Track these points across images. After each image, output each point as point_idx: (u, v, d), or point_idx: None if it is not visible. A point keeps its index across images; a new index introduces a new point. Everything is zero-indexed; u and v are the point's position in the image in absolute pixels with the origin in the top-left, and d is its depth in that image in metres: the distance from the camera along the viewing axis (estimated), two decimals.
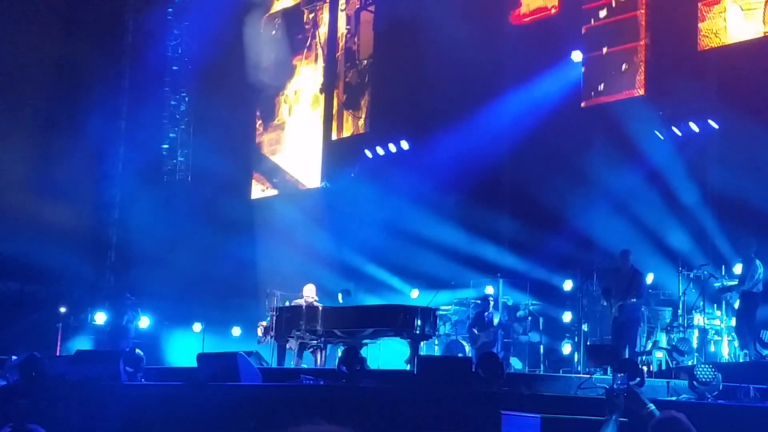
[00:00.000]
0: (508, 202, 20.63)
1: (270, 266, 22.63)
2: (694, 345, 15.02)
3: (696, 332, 15.28)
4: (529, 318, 18.00)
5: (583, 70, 19.71)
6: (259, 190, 26.13)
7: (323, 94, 25.05)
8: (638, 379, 10.27)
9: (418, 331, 15.16)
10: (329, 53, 25.00)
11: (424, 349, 16.15)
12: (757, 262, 14.85)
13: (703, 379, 10.71)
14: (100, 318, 21.21)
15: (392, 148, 22.43)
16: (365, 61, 24.28)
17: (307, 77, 25.56)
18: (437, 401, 10.70)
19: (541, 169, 19.25)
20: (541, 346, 17.86)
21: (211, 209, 24.30)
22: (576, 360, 16.72)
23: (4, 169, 23.63)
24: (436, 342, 17.53)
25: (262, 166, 26.20)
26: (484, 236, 19.98)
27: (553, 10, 20.42)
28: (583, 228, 18.34)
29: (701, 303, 15.39)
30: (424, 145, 21.50)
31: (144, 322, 20.68)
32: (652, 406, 5.75)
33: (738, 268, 15.22)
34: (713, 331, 15.42)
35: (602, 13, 19.62)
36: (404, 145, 22.19)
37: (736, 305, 15.08)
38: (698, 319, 15.35)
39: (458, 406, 10.47)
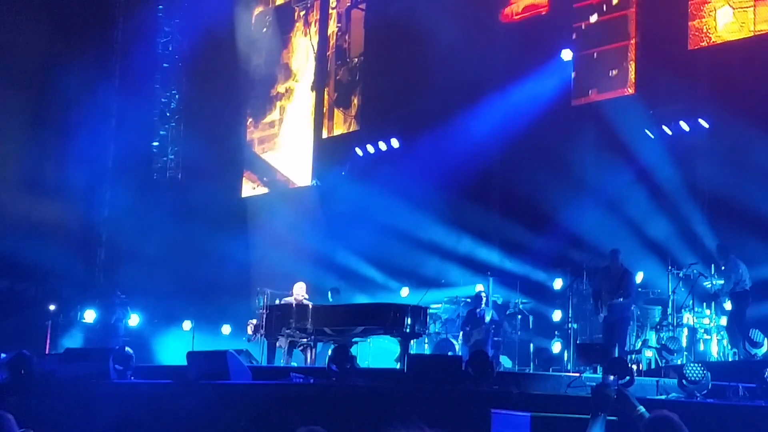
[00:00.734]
0: (498, 200, 20.65)
1: (260, 264, 22.62)
2: (684, 344, 15.05)
3: (685, 331, 15.32)
4: (519, 316, 18.00)
5: (573, 68, 19.72)
6: (249, 188, 26.10)
7: (314, 92, 25.02)
8: (628, 377, 10.30)
9: (408, 330, 15.17)
10: (320, 51, 24.98)
11: (414, 347, 16.15)
12: (738, 262, 14.97)
13: (693, 378, 10.73)
14: (90, 316, 21.16)
15: (383, 146, 22.43)
16: (356, 59, 24.27)
17: (298, 75, 25.53)
18: (427, 400, 10.70)
19: (531, 168, 19.26)
20: (531, 345, 17.87)
21: (202, 207, 24.26)
22: (566, 358, 16.74)
23: None
24: (426, 340, 17.53)
25: (253, 164, 26.16)
26: (474, 234, 20.00)
27: (543, 11, 20.43)
28: (573, 226, 18.37)
29: (691, 302, 15.42)
30: (415, 143, 21.51)
31: (134, 320, 20.65)
32: (642, 408, 5.75)
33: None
34: (702, 330, 15.47)
35: (593, 12, 19.64)
36: (395, 143, 22.20)
37: (728, 306, 15.16)
38: (687, 317, 15.39)
39: (448, 405, 10.47)
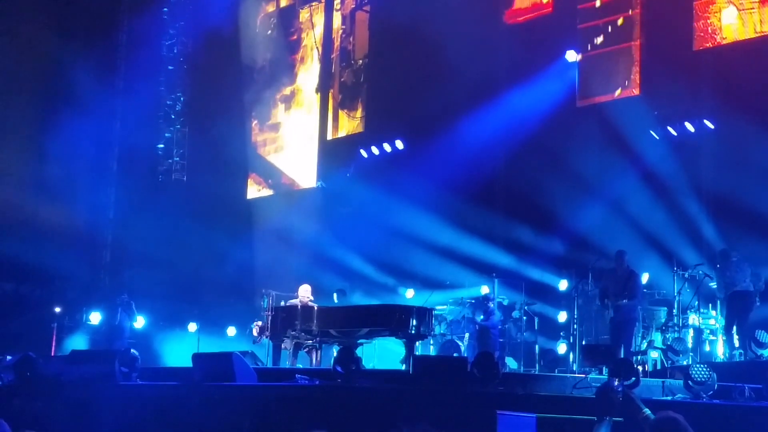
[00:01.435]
0: (503, 201, 20.63)
1: (266, 266, 22.63)
2: (689, 345, 15.03)
3: (691, 332, 15.30)
4: (525, 318, 17.99)
5: (578, 69, 19.71)
6: (254, 190, 26.12)
7: (319, 94, 25.04)
8: (634, 378, 10.29)
9: (413, 331, 15.14)
10: (325, 53, 25.00)
11: (419, 349, 16.14)
12: (737, 263, 14.92)
13: (699, 379, 10.72)
14: (95, 318, 21.16)
15: (387, 147, 22.43)
16: (360, 61, 24.28)
17: (303, 77, 25.55)
18: (433, 401, 10.70)
19: (536, 169, 19.26)
20: (537, 346, 17.86)
21: (207, 209, 24.29)
22: (571, 360, 16.73)
23: None
24: (432, 342, 17.52)
25: (258, 166, 26.18)
26: (479, 236, 19.97)
27: (547, 12, 20.43)
28: (578, 228, 18.36)
29: (696, 303, 15.41)
30: (420, 144, 21.50)
31: (139, 322, 20.63)
32: (647, 411, 5.75)
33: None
34: (708, 331, 15.45)
35: (597, 13, 19.63)
36: (399, 144, 22.20)
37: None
38: (693, 318, 15.38)
39: (454, 406, 10.47)
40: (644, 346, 15.29)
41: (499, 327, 17.49)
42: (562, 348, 17.57)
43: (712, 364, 11.76)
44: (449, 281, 19.26)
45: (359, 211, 21.66)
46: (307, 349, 16.52)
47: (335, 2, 24.89)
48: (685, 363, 13.82)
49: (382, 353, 17.89)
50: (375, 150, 22.65)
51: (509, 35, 21.01)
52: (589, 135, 18.95)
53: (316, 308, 16.26)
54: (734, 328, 14.71)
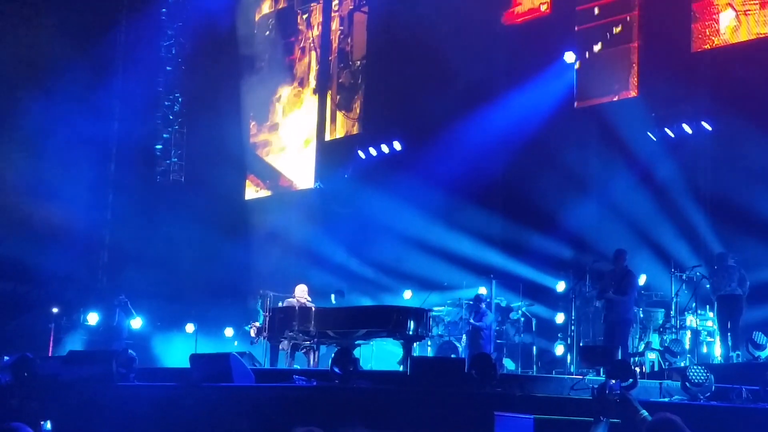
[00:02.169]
0: (501, 202, 20.64)
1: (263, 267, 22.62)
2: (687, 346, 15.04)
3: (688, 333, 15.31)
4: (522, 319, 17.99)
5: (576, 71, 19.73)
6: (252, 191, 26.12)
7: (317, 95, 25.04)
8: (631, 380, 10.29)
9: (410, 332, 15.15)
10: (322, 54, 25.00)
11: (416, 350, 16.14)
12: (732, 266, 14.94)
13: (696, 381, 10.72)
14: (93, 318, 21.16)
15: (385, 149, 22.43)
16: (358, 62, 24.29)
17: (301, 78, 25.55)
18: (430, 402, 10.70)
19: (533, 170, 19.28)
20: (534, 347, 17.87)
21: (205, 210, 24.27)
22: (569, 361, 16.72)
23: None
24: (429, 343, 17.52)
25: (256, 167, 26.18)
26: (477, 237, 19.98)
27: (543, 6, 20.43)
28: (576, 229, 18.38)
29: (694, 304, 15.42)
30: (418, 145, 21.52)
31: (137, 322, 20.62)
32: (644, 413, 5.75)
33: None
34: (705, 333, 15.46)
35: (595, 15, 19.64)
36: (397, 146, 22.20)
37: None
38: (691, 320, 15.39)
39: (451, 407, 10.47)
40: (642, 347, 15.29)
41: (495, 328, 17.47)
42: (559, 349, 17.57)
43: (709, 366, 11.77)
44: (447, 282, 19.26)
45: (357, 213, 21.67)
46: (304, 350, 16.53)
47: (333, 3, 24.89)
48: (682, 364, 13.82)
49: (380, 354, 17.88)
50: (373, 151, 22.65)
51: (507, 37, 21.02)
52: (587, 136, 18.98)
53: (313, 309, 16.27)
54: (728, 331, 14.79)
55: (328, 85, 24.86)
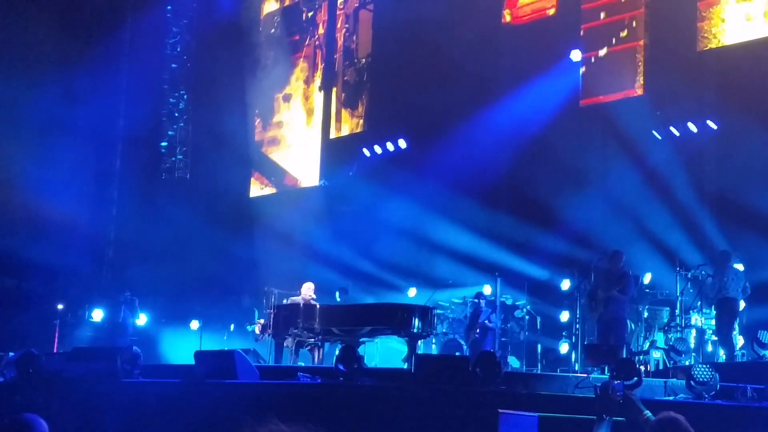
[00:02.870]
0: (506, 200, 20.62)
1: (268, 264, 22.62)
2: (692, 345, 15.03)
3: (693, 332, 15.30)
4: (527, 317, 17.99)
5: (582, 69, 19.71)
6: (257, 189, 26.13)
7: (322, 93, 25.05)
8: (636, 379, 10.27)
9: (415, 330, 15.16)
10: (328, 52, 25.00)
11: (421, 347, 16.14)
12: (730, 269, 14.88)
13: (701, 379, 10.71)
14: (98, 315, 21.20)
15: (390, 146, 22.44)
16: (364, 60, 24.28)
17: (306, 76, 25.55)
18: (434, 400, 10.70)
19: (539, 168, 19.26)
20: (539, 346, 17.86)
21: (210, 207, 24.31)
22: (573, 359, 16.73)
23: (2, 165, 23.60)
24: (434, 341, 17.53)
25: (261, 165, 26.19)
26: (482, 235, 19.97)
27: (552, 10, 20.43)
28: (581, 227, 18.35)
29: (699, 303, 15.40)
30: (423, 143, 21.51)
31: (141, 319, 20.67)
32: (648, 413, 5.74)
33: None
34: (710, 331, 15.44)
35: (601, 13, 19.62)
36: (402, 143, 22.21)
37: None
38: (696, 319, 15.38)
39: (456, 405, 10.47)
40: (647, 346, 15.28)
41: (492, 325, 17.43)
42: (564, 347, 17.57)
43: (714, 365, 11.75)
44: (452, 280, 19.23)
45: (362, 210, 21.66)
46: (309, 347, 16.54)
47: (339, 1, 24.90)
48: (687, 363, 13.80)
49: (384, 352, 17.89)
50: (378, 149, 22.66)
51: (512, 35, 21.00)
52: (593, 135, 18.95)
53: (318, 306, 16.28)
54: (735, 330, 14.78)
55: (334, 83, 24.86)
